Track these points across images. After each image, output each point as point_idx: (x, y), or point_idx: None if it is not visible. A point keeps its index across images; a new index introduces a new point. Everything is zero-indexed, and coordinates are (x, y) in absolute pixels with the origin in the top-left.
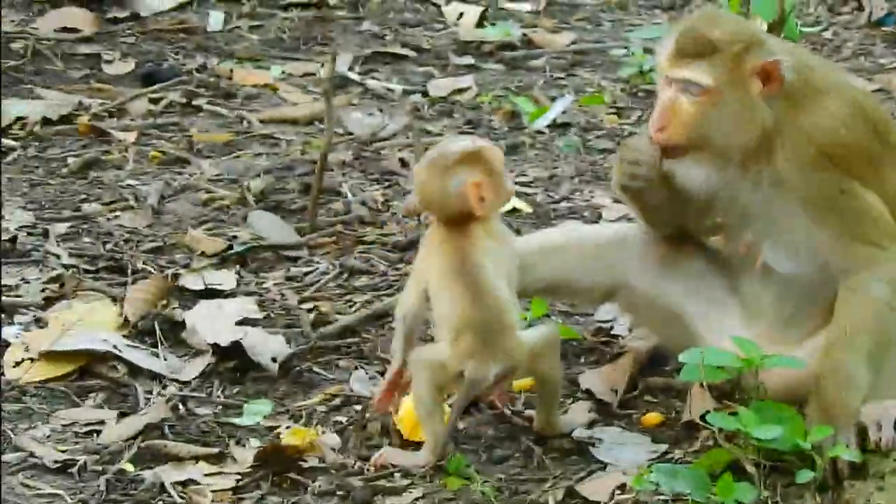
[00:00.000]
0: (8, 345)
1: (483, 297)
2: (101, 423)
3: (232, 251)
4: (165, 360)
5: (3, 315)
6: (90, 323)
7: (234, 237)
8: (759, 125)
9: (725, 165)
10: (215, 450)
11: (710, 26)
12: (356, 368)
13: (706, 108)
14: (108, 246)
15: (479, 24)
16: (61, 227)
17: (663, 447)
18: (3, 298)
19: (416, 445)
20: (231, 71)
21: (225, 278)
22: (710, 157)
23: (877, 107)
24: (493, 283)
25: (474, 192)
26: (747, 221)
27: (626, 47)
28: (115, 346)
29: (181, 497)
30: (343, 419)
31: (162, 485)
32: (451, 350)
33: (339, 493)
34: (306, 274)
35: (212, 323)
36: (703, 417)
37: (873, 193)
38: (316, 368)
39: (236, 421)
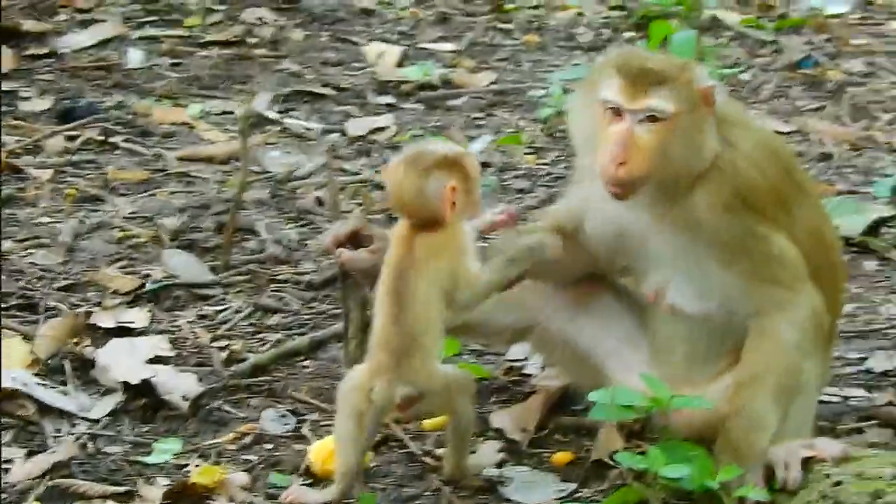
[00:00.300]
0: None
1: (404, 317)
2: (9, 461)
3: (145, 289)
4: (75, 398)
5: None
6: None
7: (148, 275)
8: (713, 151)
9: (654, 204)
10: (124, 489)
11: (648, 58)
12: (267, 407)
13: (667, 137)
14: (21, 283)
15: (400, 64)
16: None
17: (573, 486)
18: None
19: (328, 482)
20: (149, 109)
21: (137, 316)
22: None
23: (785, 147)
24: (420, 303)
25: (450, 197)
26: (656, 264)
27: (544, 88)
28: (24, 384)
29: None
30: (253, 457)
31: None
32: (367, 367)
33: None
34: (219, 312)
35: (123, 361)
36: (612, 456)
37: (784, 236)
38: (226, 407)
39: (145, 459)
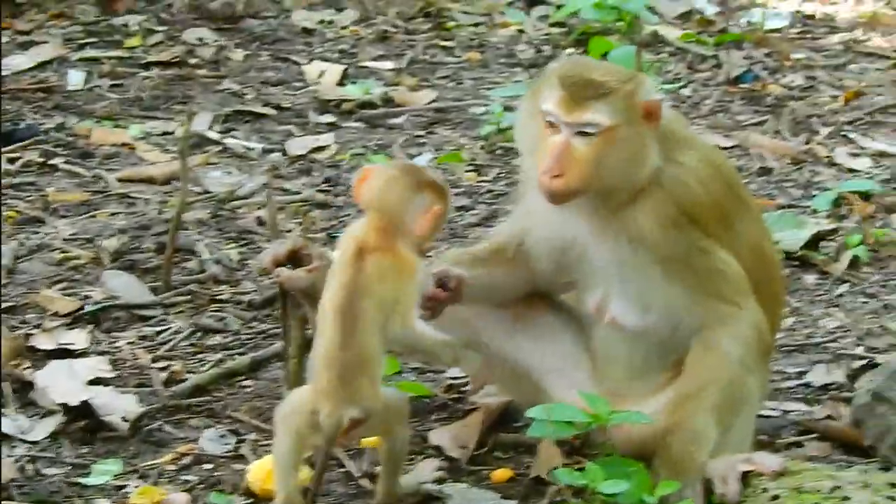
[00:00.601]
0: None
1: (354, 339)
2: None
3: (85, 311)
4: (15, 420)
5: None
6: None
7: (88, 297)
8: (651, 165)
9: (594, 218)
10: None
11: (590, 69)
12: (207, 427)
13: (603, 150)
14: None
15: (341, 83)
16: None
17: (513, 503)
18: None
19: (268, 502)
20: (89, 130)
21: (77, 338)
22: (590, 203)
23: (727, 163)
24: (369, 325)
25: (429, 219)
26: (598, 277)
27: (485, 105)
28: None
29: None
30: (193, 478)
31: None
32: (310, 389)
33: None
34: (159, 333)
35: (62, 383)
36: (551, 473)
37: (727, 251)
38: (167, 427)
39: (85, 481)
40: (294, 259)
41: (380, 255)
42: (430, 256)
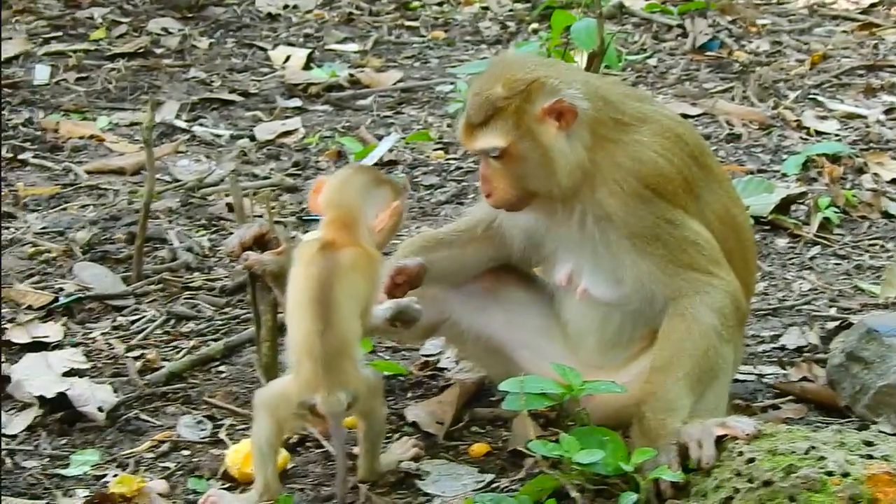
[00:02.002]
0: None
1: (331, 328)
2: None
3: (58, 303)
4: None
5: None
6: None
7: (61, 289)
8: (574, 163)
9: (553, 208)
10: (43, 502)
11: (491, 84)
12: (183, 414)
13: (512, 166)
14: None
15: (307, 67)
16: None
17: (490, 477)
18: None
19: (247, 486)
20: (57, 124)
21: (51, 330)
22: (543, 202)
23: (691, 131)
24: (344, 314)
25: (387, 214)
26: (569, 255)
27: (452, 83)
28: None
29: None
30: (171, 465)
31: None
32: (294, 379)
33: None
34: (133, 322)
35: (38, 375)
36: (527, 446)
37: (696, 220)
38: (143, 416)
39: (64, 472)
40: (261, 243)
41: (347, 248)
42: (388, 254)
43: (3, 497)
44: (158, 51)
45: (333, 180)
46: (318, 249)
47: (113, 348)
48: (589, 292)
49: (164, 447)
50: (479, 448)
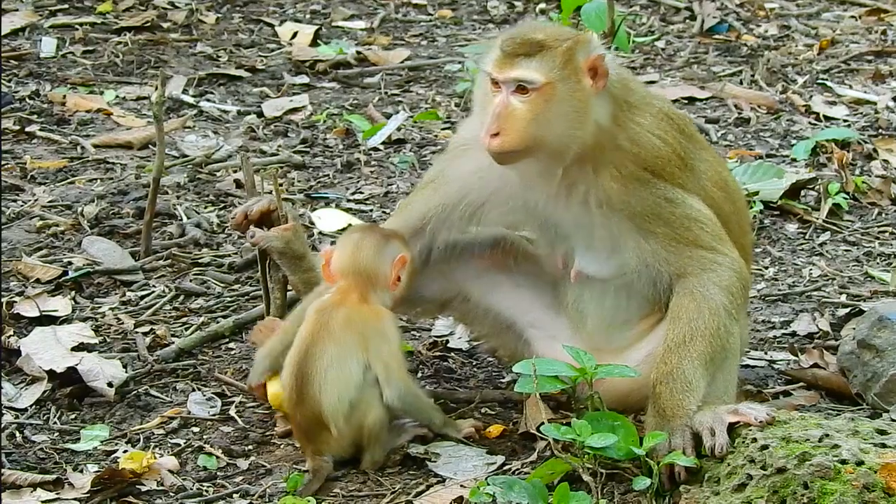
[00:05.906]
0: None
1: (303, 403)
2: None
3: (67, 277)
4: (1, 388)
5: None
6: None
7: (69, 263)
8: (594, 123)
9: (552, 180)
10: (53, 476)
11: (534, 30)
12: (193, 390)
13: (540, 107)
14: None
15: (314, 43)
16: None
17: (501, 459)
18: None
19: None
20: (64, 97)
21: (60, 305)
22: (541, 164)
23: (676, 110)
24: (322, 384)
25: (399, 267)
26: (565, 240)
27: (459, 62)
28: None
29: None
30: (181, 441)
31: None
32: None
33: None
34: (142, 297)
35: (47, 350)
36: (539, 428)
37: (696, 197)
38: (153, 392)
39: (73, 447)
40: (268, 220)
41: (344, 307)
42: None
43: (13, 471)
44: (165, 25)
45: (343, 248)
46: (317, 310)
47: (122, 323)
48: (582, 273)
49: (174, 423)
50: (490, 430)
